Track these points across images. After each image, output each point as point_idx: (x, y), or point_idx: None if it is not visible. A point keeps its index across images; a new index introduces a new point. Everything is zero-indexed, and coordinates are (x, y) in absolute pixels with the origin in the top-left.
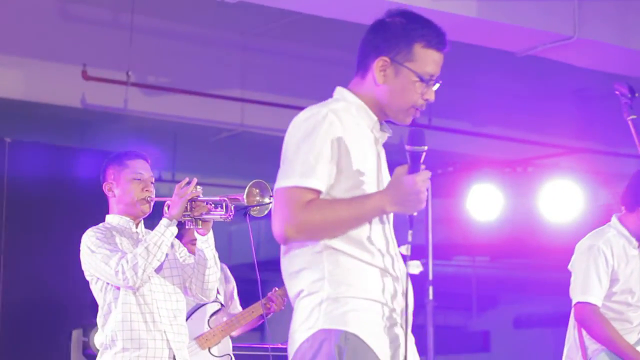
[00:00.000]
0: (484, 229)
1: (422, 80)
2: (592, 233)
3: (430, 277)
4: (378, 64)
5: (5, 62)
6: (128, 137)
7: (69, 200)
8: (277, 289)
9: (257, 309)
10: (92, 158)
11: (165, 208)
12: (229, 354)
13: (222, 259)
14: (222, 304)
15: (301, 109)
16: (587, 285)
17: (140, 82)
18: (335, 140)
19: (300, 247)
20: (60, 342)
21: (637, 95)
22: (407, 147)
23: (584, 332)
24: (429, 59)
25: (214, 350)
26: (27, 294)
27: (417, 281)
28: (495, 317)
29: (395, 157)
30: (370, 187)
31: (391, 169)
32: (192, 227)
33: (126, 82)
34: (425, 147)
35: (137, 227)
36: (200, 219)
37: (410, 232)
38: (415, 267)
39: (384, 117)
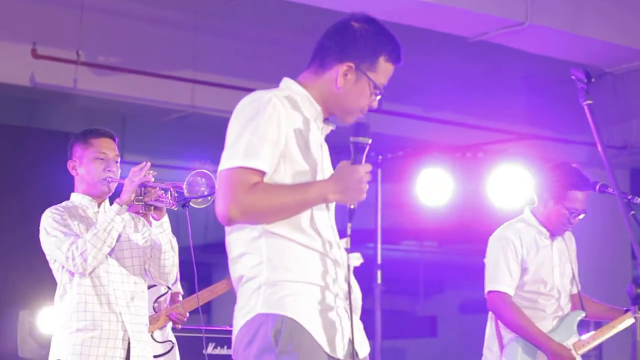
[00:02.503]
0: (433, 213)
1: (376, 89)
2: (504, 225)
3: (379, 261)
4: (343, 69)
5: None
6: (77, 117)
7: (16, 179)
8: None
9: (202, 296)
10: (40, 137)
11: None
12: (171, 340)
13: (197, 237)
14: (169, 287)
15: (251, 90)
16: (497, 275)
17: (90, 62)
18: (279, 125)
19: (240, 231)
20: (8, 323)
21: (593, 80)
22: (352, 139)
23: (500, 322)
24: (386, 72)
25: (157, 334)
26: None
27: (365, 265)
28: (441, 303)
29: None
30: (312, 174)
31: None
32: (146, 212)
33: (76, 61)
34: (369, 140)
35: (99, 207)
36: (151, 205)
37: (349, 224)
38: (356, 259)
39: (328, 114)
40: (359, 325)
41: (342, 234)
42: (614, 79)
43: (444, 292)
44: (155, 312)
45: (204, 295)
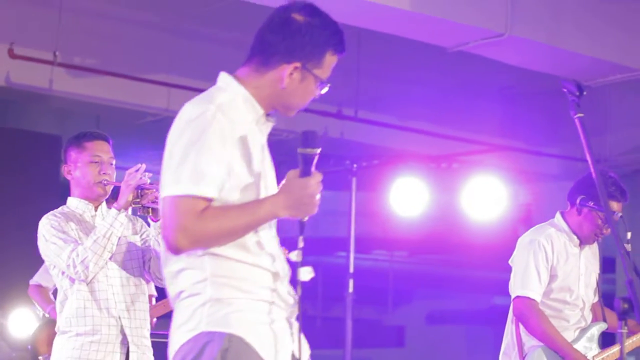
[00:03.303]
0: (405, 223)
1: (322, 84)
2: (535, 228)
3: (351, 270)
4: (289, 69)
5: None
6: (52, 118)
7: None
8: None
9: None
10: (15, 137)
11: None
12: None
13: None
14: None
15: None
16: (526, 280)
17: (66, 63)
18: (224, 142)
19: None
20: None
21: (585, 93)
22: (300, 150)
23: (521, 328)
24: (331, 64)
25: None
26: None
27: (337, 274)
28: (409, 313)
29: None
30: (256, 185)
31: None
32: (144, 214)
33: (52, 62)
34: (318, 150)
35: (96, 211)
36: (149, 207)
37: (300, 237)
38: (307, 273)
39: (270, 109)
40: (299, 331)
41: (292, 246)
42: (591, 93)
43: (412, 302)
44: None
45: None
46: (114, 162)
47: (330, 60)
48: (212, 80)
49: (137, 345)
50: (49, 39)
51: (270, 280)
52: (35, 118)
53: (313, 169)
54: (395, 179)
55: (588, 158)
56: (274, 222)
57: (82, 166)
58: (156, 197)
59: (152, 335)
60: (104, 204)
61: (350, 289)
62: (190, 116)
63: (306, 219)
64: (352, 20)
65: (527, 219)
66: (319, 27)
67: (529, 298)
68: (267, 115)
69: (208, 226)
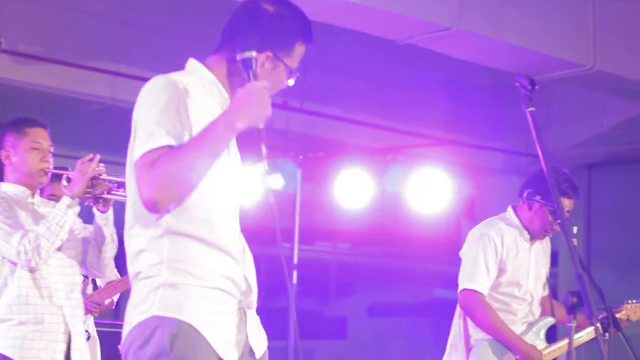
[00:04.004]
0: (348, 215)
1: (291, 73)
2: (485, 221)
3: (296, 261)
4: (261, 59)
5: None
6: None
7: None
8: None
9: (120, 284)
10: None
11: (64, 181)
12: (87, 330)
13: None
14: (85, 277)
15: None
16: (474, 273)
17: (10, 49)
18: (184, 107)
19: (143, 228)
20: None
21: (537, 87)
22: (238, 56)
23: (468, 321)
24: (300, 54)
25: None
26: None
27: (280, 265)
28: (352, 304)
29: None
30: (220, 160)
31: None
32: (91, 204)
33: None
34: (254, 53)
35: (32, 197)
36: (101, 197)
37: (263, 146)
38: (277, 180)
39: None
40: (256, 321)
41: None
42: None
43: (355, 294)
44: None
45: (121, 284)
46: (52, 149)
47: (299, 50)
48: (157, 69)
49: (77, 333)
50: None
51: (226, 266)
52: None
53: (255, 73)
54: (340, 171)
55: (539, 152)
56: (237, 214)
57: (22, 152)
58: (110, 189)
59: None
60: (37, 191)
61: (295, 280)
62: (149, 87)
63: (262, 125)
64: None
65: (471, 212)
66: (289, 16)
67: (475, 291)
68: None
69: (169, 165)
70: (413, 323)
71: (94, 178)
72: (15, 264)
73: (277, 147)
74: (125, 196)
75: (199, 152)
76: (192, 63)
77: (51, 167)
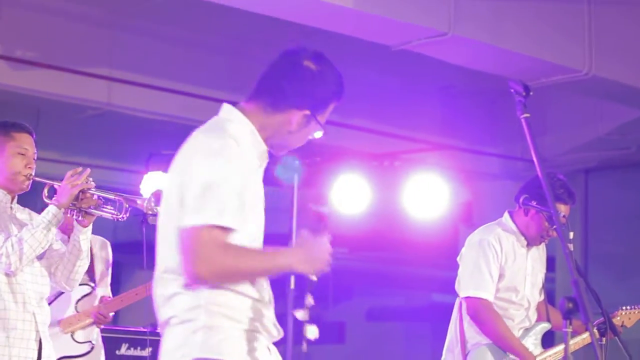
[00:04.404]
0: (346, 220)
1: (320, 129)
2: (483, 227)
3: None
4: (299, 116)
5: None
6: None
7: None
8: None
9: (127, 297)
10: None
11: (45, 191)
12: (91, 340)
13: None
14: (93, 288)
15: (168, 90)
16: (478, 280)
17: (7, 55)
18: (241, 176)
19: (180, 274)
20: None
21: (531, 93)
22: (313, 208)
23: (465, 326)
24: (330, 111)
25: (79, 335)
26: None
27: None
28: (350, 309)
29: None
30: (256, 223)
31: None
32: (74, 216)
33: None
34: (330, 209)
35: (12, 202)
36: (86, 212)
37: (309, 296)
38: (312, 332)
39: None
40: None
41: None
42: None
43: (353, 299)
44: (77, 311)
45: (128, 297)
46: (35, 157)
47: (332, 107)
48: (152, 74)
49: (47, 340)
50: None
51: (258, 310)
52: None
53: (324, 227)
54: (337, 177)
55: (534, 158)
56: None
57: (7, 156)
58: (97, 205)
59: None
60: (16, 197)
61: (292, 285)
62: (211, 148)
63: (316, 278)
64: (296, 18)
65: (468, 217)
66: (329, 77)
67: (482, 299)
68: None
69: (230, 262)
70: (411, 327)
71: (81, 191)
72: None
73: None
74: (111, 213)
75: (256, 269)
76: (230, 110)
77: (33, 173)
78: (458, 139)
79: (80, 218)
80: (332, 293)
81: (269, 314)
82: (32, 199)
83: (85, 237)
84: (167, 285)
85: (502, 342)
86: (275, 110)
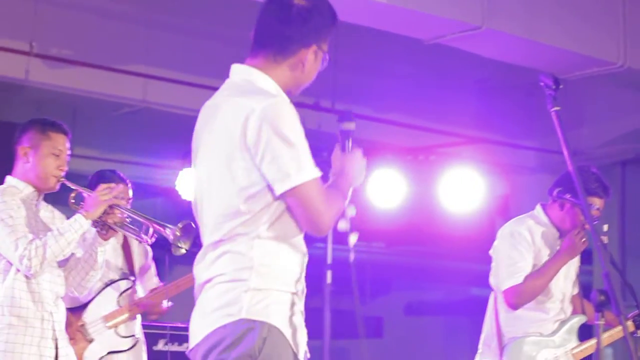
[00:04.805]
0: (382, 215)
1: (325, 60)
2: (514, 220)
3: (329, 261)
4: (309, 54)
5: None
6: (27, 109)
7: None
8: None
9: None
10: None
11: (72, 195)
12: (135, 334)
13: None
14: (133, 282)
15: (204, 87)
16: (512, 271)
17: (43, 53)
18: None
19: (233, 234)
20: None
21: (561, 87)
22: (340, 125)
23: (501, 319)
24: (331, 36)
25: (121, 329)
26: None
27: (315, 265)
28: (387, 304)
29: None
30: None
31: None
32: (97, 228)
33: (29, 53)
34: (353, 125)
35: (38, 200)
36: (110, 227)
37: (350, 207)
38: (354, 237)
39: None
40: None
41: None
42: (567, 86)
43: (390, 293)
44: (120, 306)
45: (170, 289)
46: (69, 159)
47: (332, 33)
48: (187, 71)
49: (63, 339)
50: (26, 30)
51: (302, 268)
52: (11, 109)
53: (350, 142)
54: (372, 171)
55: (564, 151)
56: None
57: (42, 155)
58: (123, 222)
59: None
60: (42, 195)
61: (329, 280)
62: (278, 108)
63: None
64: None
65: (505, 210)
66: (321, 5)
67: (517, 284)
68: None
69: (335, 204)
70: (449, 321)
71: (110, 206)
72: (10, 264)
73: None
74: (136, 234)
75: (343, 202)
76: (248, 70)
77: (64, 176)
78: (494, 132)
79: (102, 231)
80: (370, 288)
81: (304, 275)
82: (60, 196)
83: (103, 249)
84: (218, 246)
85: (545, 277)
86: (285, 57)
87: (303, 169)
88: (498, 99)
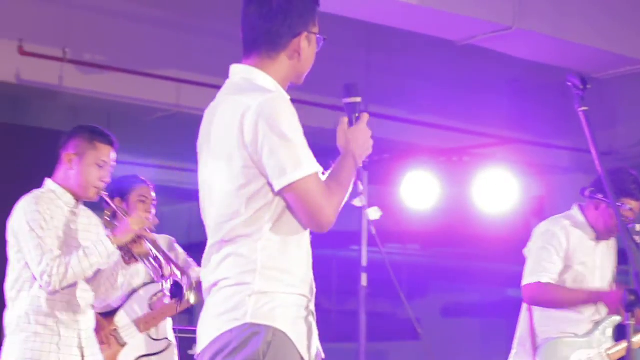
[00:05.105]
0: (417, 217)
1: (319, 40)
2: (550, 219)
3: (364, 263)
4: (301, 41)
5: None
6: (62, 115)
7: (4, 176)
8: None
9: None
10: (25, 134)
11: (107, 213)
12: (167, 337)
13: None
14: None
15: None
16: (537, 267)
17: (76, 59)
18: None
19: (234, 236)
20: None
21: (589, 86)
22: (344, 100)
23: (535, 320)
24: (317, 16)
25: (153, 332)
26: None
27: (350, 267)
28: (424, 306)
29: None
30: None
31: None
32: (121, 253)
33: (62, 59)
34: (359, 99)
35: (76, 207)
36: (133, 255)
37: (359, 182)
38: (375, 212)
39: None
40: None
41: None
42: (600, 85)
43: (427, 296)
44: (152, 309)
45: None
46: (112, 170)
47: (317, 12)
48: (221, 75)
49: (90, 348)
50: (59, 36)
51: (308, 269)
52: (46, 115)
53: (356, 116)
54: (406, 173)
55: (592, 152)
56: None
57: (86, 164)
58: (147, 255)
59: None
60: (81, 203)
61: (364, 283)
62: (275, 103)
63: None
64: (361, 15)
65: (540, 211)
66: None
67: (540, 282)
68: None
69: (337, 196)
70: (486, 323)
71: (139, 236)
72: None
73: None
74: (154, 271)
75: (348, 186)
76: (248, 70)
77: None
78: (527, 132)
79: (126, 257)
80: (406, 290)
81: (311, 272)
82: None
83: (125, 273)
84: (222, 248)
85: (571, 302)
86: (278, 51)
87: (300, 165)
88: (531, 99)
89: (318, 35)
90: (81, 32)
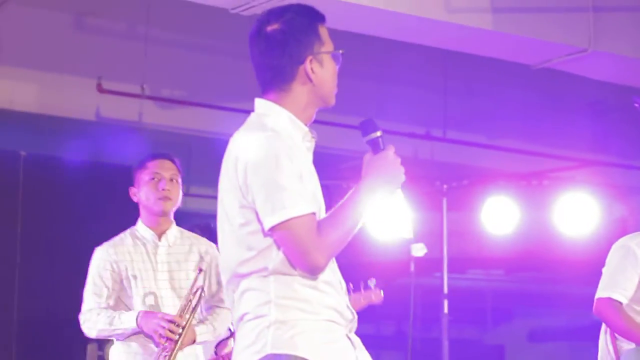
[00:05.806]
0: (499, 242)
1: (336, 56)
2: (630, 234)
3: (445, 290)
4: (307, 68)
5: (20, 76)
6: (142, 151)
7: (85, 214)
8: None
9: None
10: (107, 171)
11: (136, 312)
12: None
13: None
14: (231, 331)
15: (316, 121)
16: (611, 282)
17: (154, 95)
18: (291, 159)
19: (246, 272)
20: (75, 357)
21: None
22: (365, 139)
23: (616, 337)
24: (327, 33)
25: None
26: (42, 308)
27: (432, 294)
28: (509, 331)
29: None
30: (319, 196)
31: None
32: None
33: (141, 95)
34: (379, 133)
35: (159, 240)
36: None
37: (421, 245)
38: (420, 249)
39: (311, 117)
40: (360, 343)
41: None
42: None
43: (511, 321)
44: (216, 355)
45: None
46: (179, 178)
47: (323, 31)
48: None
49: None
50: (136, 72)
51: (331, 298)
52: (127, 152)
53: (382, 144)
54: (485, 198)
55: None
56: None
57: (143, 185)
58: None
59: None
60: (171, 230)
61: (445, 310)
62: (258, 148)
63: (398, 192)
64: (437, 43)
65: (623, 233)
66: (294, 19)
67: (610, 298)
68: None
69: (331, 235)
70: (574, 347)
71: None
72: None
73: (422, 177)
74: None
75: (351, 222)
76: (263, 103)
77: (171, 195)
78: (607, 154)
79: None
80: (490, 315)
81: (341, 299)
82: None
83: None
84: (238, 285)
85: (633, 337)
86: (289, 83)
87: (282, 208)
88: (610, 120)
89: (333, 52)
90: (158, 67)
